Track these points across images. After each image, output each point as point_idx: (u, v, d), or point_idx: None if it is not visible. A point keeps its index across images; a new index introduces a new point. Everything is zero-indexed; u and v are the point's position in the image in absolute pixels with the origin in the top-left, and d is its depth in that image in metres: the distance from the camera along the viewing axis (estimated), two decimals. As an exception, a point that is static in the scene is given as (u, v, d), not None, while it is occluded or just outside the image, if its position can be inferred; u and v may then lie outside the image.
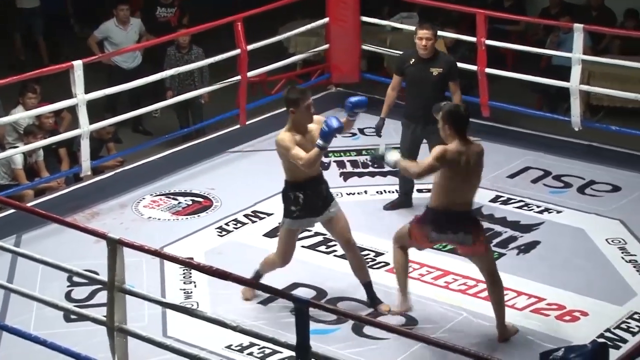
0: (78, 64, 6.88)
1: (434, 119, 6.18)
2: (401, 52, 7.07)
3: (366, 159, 7.64)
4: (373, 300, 5.58)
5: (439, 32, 8.57)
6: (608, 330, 5.39)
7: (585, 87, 7.95)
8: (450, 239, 5.18)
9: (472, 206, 5.20)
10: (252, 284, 5.48)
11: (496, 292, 5.24)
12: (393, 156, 5.19)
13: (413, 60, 6.50)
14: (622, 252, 6.21)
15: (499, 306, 5.26)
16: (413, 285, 5.81)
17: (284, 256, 5.54)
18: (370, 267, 6.03)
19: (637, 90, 8.48)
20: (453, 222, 5.09)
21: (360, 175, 7.40)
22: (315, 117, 5.40)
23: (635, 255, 6.17)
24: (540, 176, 7.31)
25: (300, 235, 6.37)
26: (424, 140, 6.62)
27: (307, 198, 5.39)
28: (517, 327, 5.34)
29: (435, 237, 5.18)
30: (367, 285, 5.59)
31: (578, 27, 7.47)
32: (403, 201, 6.77)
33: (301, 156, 5.23)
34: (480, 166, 5.14)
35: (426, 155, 5.68)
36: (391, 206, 6.76)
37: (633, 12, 9.97)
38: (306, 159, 5.23)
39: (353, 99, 5.44)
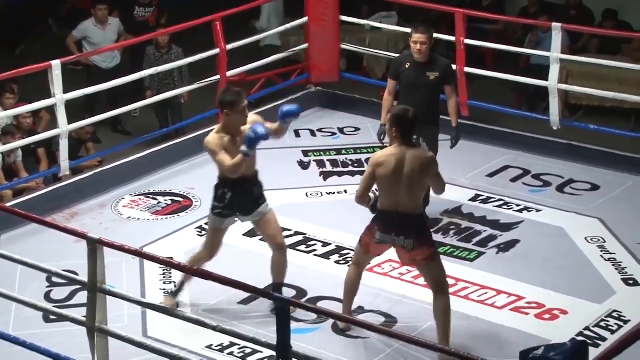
0: (56, 63, 6.84)
1: (429, 123, 6.09)
2: (397, 55, 6.92)
3: (346, 158, 7.64)
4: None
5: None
6: (587, 328, 5.42)
7: (563, 86, 7.99)
8: (393, 240, 5.07)
9: (417, 211, 5.05)
10: (233, 283, 5.46)
11: (439, 303, 5.06)
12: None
13: (409, 64, 6.36)
14: (602, 251, 6.25)
15: (443, 320, 5.06)
16: (393, 284, 5.83)
17: (210, 250, 5.49)
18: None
19: (615, 89, 8.55)
20: (396, 224, 5.04)
21: (340, 174, 7.41)
22: (250, 116, 5.35)
23: (614, 253, 6.21)
24: (519, 175, 7.34)
25: (281, 235, 6.40)
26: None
27: (234, 197, 5.35)
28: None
29: (379, 238, 5.10)
30: (278, 286, 5.55)
31: (556, 26, 7.51)
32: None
33: (226, 163, 5.20)
34: (424, 173, 5.02)
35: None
36: None
37: (612, 12, 10.03)
38: (230, 165, 5.21)
39: (285, 107, 5.38)
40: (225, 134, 5.28)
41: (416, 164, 5.02)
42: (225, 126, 5.29)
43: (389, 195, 5.05)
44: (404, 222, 5.04)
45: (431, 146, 6.48)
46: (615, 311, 5.58)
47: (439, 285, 5.12)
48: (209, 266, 5.34)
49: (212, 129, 5.39)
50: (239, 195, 5.36)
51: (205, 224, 6.39)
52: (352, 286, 5.31)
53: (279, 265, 5.55)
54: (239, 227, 6.46)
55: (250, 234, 6.42)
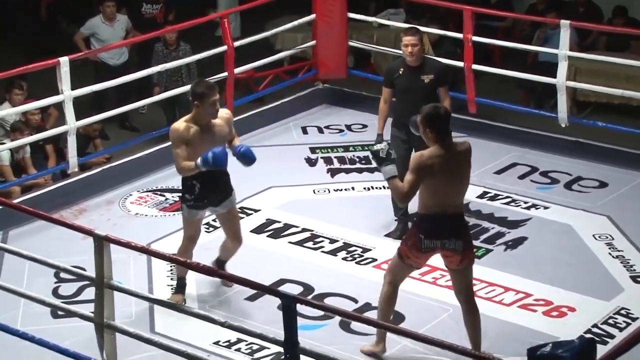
0: (64, 60, 6.85)
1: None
2: (390, 64, 6.83)
3: (353, 155, 7.64)
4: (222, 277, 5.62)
5: (424, 29, 8.63)
6: (595, 325, 5.41)
7: (571, 84, 7.97)
8: (443, 245, 4.84)
9: (462, 210, 4.95)
10: (240, 280, 5.47)
11: (472, 318, 4.98)
12: (389, 172, 4.84)
13: (402, 69, 6.28)
14: (610, 248, 6.24)
15: (475, 331, 4.97)
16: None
17: (191, 240, 5.51)
18: (358, 263, 6.05)
19: (623, 86, 8.53)
20: (444, 227, 4.83)
21: (347, 171, 7.41)
22: (221, 111, 5.38)
23: (622, 251, 6.20)
24: (527, 172, 7.33)
25: (287, 232, 6.41)
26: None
27: (203, 188, 5.36)
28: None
29: (427, 245, 4.84)
30: (221, 263, 5.66)
31: (565, 23, 7.49)
32: (405, 223, 6.37)
33: (178, 161, 5.26)
34: (467, 165, 4.91)
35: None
36: (399, 235, 6.29)
37: (622, 9, 10.00)
38: (182, 167, 5.27)
39: (242, 151, 5.33)
40: (194, 125, 5.30)
41: (460, 158, 4.86)
42: (194, 116, 5.33)
43: (438, 198, 4.79)
44: (454, 224, 4.84)
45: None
46: (623, 308, 5.57)
47: (471, 293, 4.98)
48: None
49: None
50: (208, 187, 5.38)
51: (213, 220, 6.41)
52: (387, 304, 5.00)
53: (231, 251, 5.66)
54: (246, 224, 6.47)
55: (257, 230, 6.43)
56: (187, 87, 8.27)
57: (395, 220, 6.44)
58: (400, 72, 6.29)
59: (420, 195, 4.84)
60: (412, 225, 5.05)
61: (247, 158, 5.36)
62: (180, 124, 5.31)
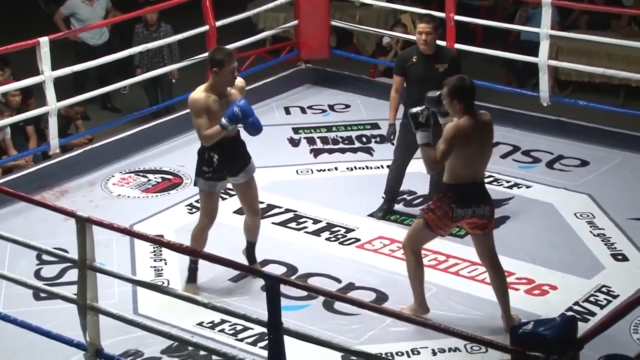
0: (44, 40, 6.80)
1: (437, 119, 5.77)
2: (402, 52, 6.64)
3: (336, 136, 7.62)
4: (251, 260, 5.64)
5: (407, 8, 8.62)
6: (577, 303, 5.45)
7: (553, 62, 7.98)
8: (473, 212, 4.98)
9: (484, 177, 5.10)
10: (223, 261, 5.47)
11: (499, 277, 5.12)
12: (423, 137, 4.94)
13: (415, 57, 6.07)
14: (591, 226, 6.28)
15: (504, 294, 5.12)
16: (384, 261, 5.84)
17: (210, 216, 5.43)
18: (341, 243, 6.06)
19: (604, 65, 8.57)
20: (475, 195, 5.00)
21: (330, 151, 7.40)
22: (237, 80, 5.32)
23: (603, 229, 6.23)
24: (509, 151, 7.35)
25: (271, 212, 6.41)
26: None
27: (221, 159, 5.31)
28: (519, 316, 5.21)
29: (459, 213, 4.96)
30: (251, 245, 5.63)
31: (546, 2, 7.49)
32: (390, 205, 6.42)
33: (202, 130, 5.19)
34: (492, 135, 5.09)
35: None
36: (382, 215, 6.36)
37: (602, -13, 10.02)
38: (207, 135, 5.21)
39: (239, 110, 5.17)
40: (212, 94, 5.24)
41: (486, 128, 5.01)
42: (212, 85, 5.26)
43: (467, 167, 4.94)
44: (482, 191, 5.04)
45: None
46: (604, 286, 5.61)
47: (495, 256, 5.13)
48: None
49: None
50: (226, 157, 5.32)
51: (196, 201, 6.40)
52: (419, 273, 5.17)
53: (253, 229, 5.60)
54: (228, 204, 6.47)
55: (240, 211, 6.42)
56: (169, 68, 8.30)
57: (382, 197, 6.42)
58: (414, 61, 6.09)
59: (450, 166, 4.95)
60: (439, 195, 5.06)
61: (255, 127, 5.27)
62: (199, 94, 5.24)
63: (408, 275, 5.23)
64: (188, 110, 7.89)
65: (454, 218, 4.99)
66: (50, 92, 6.92)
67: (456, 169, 4.94)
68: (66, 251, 4.94)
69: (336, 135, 7.65)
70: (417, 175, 6.81)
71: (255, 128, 5.30)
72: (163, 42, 8.16)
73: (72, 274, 4.88)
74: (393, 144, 6.34)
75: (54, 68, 6.91)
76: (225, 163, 5.33)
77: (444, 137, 4.91)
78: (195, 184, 5.46)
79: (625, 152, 7.29)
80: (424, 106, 5.02)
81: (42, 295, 5.29)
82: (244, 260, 5.59)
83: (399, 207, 6.48)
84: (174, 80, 8.79)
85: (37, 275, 5.72)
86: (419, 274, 5.20)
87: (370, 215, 6.40)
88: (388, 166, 6.75)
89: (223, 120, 5.15)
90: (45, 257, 5.70)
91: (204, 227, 5.44)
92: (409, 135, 5.91)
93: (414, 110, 5.00)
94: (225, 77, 5.22)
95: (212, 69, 5.24)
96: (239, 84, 5.36)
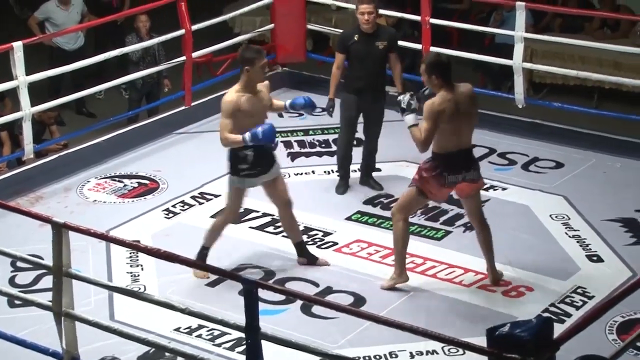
0: (18, 45, 6.75)
1: (379, 94, 6.35)
2: (343, 31, 7.08)
3: (313, 139, 7.63)
4: (310, 258, 5.80)
5: (383, 11, 8.64)
6: (553, 304, 5.48)
7: (528, 65, 8.03)
8: (464, 177, 5.31)
9: (471, 144, 5.38)
10: (200, 265, 5.46)
11: (486, 235, 5.49)
12: (409, 120, 5.26)
13: (357, 36, 6.52)
14: (566, 228, 6.31)
15: (489, 249, 5.51)
16: (361, 264, 5.85)
17: (234, 213, 5.73)
18: (319, 247, 6.06)
19: (578, 67, 8.63)
20: (464, 161, 5.30)
21: (307, 155, 7.41)
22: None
23: (578, 230, 6.28)
24: (485, 154, 7.38)
25: (248, 216, 6.40)
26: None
27: (256, 155, 5.52)
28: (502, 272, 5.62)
29: (451, 180, 5.29)
30: (300, 245, 5.81)
31: (520, 5, 7.54)
32: (347, 181, 6.75)
33: (224, 132, 5.43)
34: (474, 104, 5.32)
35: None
36: (342, 190, 6.73)
37: (575, -9, 10.09)
38: (227, 137, 5.44)
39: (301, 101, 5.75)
40: (245, 92, 5.47)
41: (467, 98, 5.25)
42: (245, 84, 5.49)
43: (453, 137, 5.23)
44: (469, 157, 5.35)
45: (378, 120, 6.59)
46: (579, 287, 5.64)
47: (482, 213, 5.51)
48: (177, 248, 5.32)
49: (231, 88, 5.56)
50: (261, 155, 5.54)
51: (173, 205, 6.37)
52: (404, 240, 5.47)
53: (292, 223, 5.78)
54: (206, 210, 6.45)
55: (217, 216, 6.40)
56: (147, 72, 8.17)
57: (338, 175, 6.76)
58: (356, 39, 6.52)
59: (437, 139, 5.23)
60: (428, 165, 5.33)
61: (308, 105, 5.72)
62: (232, 95, 5.47)
63: (394, 241, 5.49)
64: (163, 115, 8.01)
65: (446, 184, 5.31)
66: (24, 98, 6.87)
67: (442, 141, 5.24)
68: (41, 258, 4.91)
69: (313, 139, 7.65)
70: (394, 178, 6.84)
71: (308, 106, 5.80)
72: (139, 47, 8.08)
73: (48, 281, 4.84)
74: (331, 116, 6.73)
75: (28, 73, 6.86)
76: (259, 160, 5.54)
77: (425, 115, 5.20)
78: (230, 183, 5.62)
79: (600, 154, 7.34)
80: (408, 94, 5.33)
81: (17, 302, 5.24)
82: (219, 265, 5.58)
83: (376, 210, 6.50)
84: (166, 90, 8.65)
85: (12, 282, 5.67)
86: (406, 241, 5.48)
87: (348, 218, 6.40)
88: (359, 169, 6.81)
89: (247, 135, 5.38)
90: (20, 263, 5.66)
91: (227, 221, 5.69)
92: (347, 112, 6.56)
93: (399, 98, 5.32)
94: (257, 74, 5.49)
95: (244, 67, 5.47)
96: (265, 83, 5.65)
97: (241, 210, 5.83)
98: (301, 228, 6.26)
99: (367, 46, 6.48)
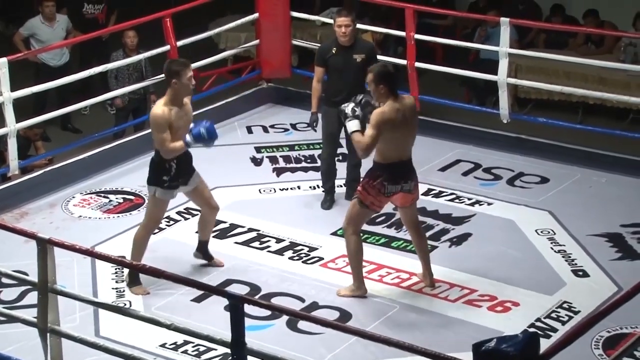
0: (3, 61, 6.74)
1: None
2: (322, 44, 7.12)
3: (298, 154, 7.64)
4: (206, 255, 5.89)
5: (367, 27, 8.68)
6: (539, 319, 5.49)
7: (512, 80, 8.07)
8: (401, 187, 5.42)
9: (411, 155, 5.51)
10: (186, 281, 5.44)
11: (422, 241, 5.69)
12: (351, 126, 5.37)
13: (335, 49, 6.56)
14: (552, 243, 6.33)
15: (425, 253, 5.70)
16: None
17: (157, 223, 5.75)
18: (304, 262, 6.06)
19: (562, 83, 8.68)
20: (403, 172, 5.43)
21: (293, 170, 7.41)
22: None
23: (564, 245, 6.29)
24: (470, 169, 7.40)
25: (233, 232, 6.39)
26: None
27: (179, 167, 5.54)
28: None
29: (391, 190, 5.40)
30: (204, 243, 5.88)
31: (505, 21, 7.58)
32: (332, 196, 6.76)
33: (166, 144, 5.43)
34: (415, 116, 5.48)
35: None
36: (327, 206, 6.72)
37: (559, 7, 10.16)
38: (171, 148, 5.45)
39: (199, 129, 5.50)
40: (172, 106, 5.45)
41: (411, 109, 5.42)
42: (172, 97, 5.45)
43: (396, 147, 5.36)
44: (408, 168, 5.48)
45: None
46: (565, 302, 5.66)
47: (418, 222, 5.69)
48: (162, 264, 5.31)
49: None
50: (182, 166, 5.56)
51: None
52: (358, 253, 5.55)
53: (209, 223, 5.83)
54: (191, 225, 6.44)
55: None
56: (131, 88, 8.18)
57: (323, 191, 6.78)
58: (334, 52, 6.57)
59: (379, 148, 5.37)
60: (369, 175, 5.46)
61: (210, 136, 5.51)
62: (160, 108, 5.44)
63: (348, 257, 5.59)
64: (149, 130, 7.97)
65: (386, 194, 5.42)
66: (9, 114, 6.86)
67: (385, 151, 5.36)
68: (26, 274, 4.89)
69: (299, 154, 7.66)
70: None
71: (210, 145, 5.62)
72: (126, 62, 8.08)
73: (33, 297, 4.82)
74: (315, 130, 6.76)
75: (13, 89, 6.85)
76: (181, 172, 5.57)
77: (371, 123, 5.31)
78: (151, 194, 5.60)
79: (585, 169, 7.37)
80: (352, 103, 5.46)
81: (2, 319, 5.20)
82: (205, 280, 5.56)
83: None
84: (152, 105, 8.60)
85: (-3, 298, 5.65)
86: (360, 255, 5.56)
87: (333, 233, 6.41)
88: (344, 184, 6.82)
89: (188, 137, 5.40)
90: (5, 279, 5.63)
91: (150, 231, 5.68)
92: (329, 126, 6.60)
93: (341, 107, 5.47)
94: (184, 86, 5.44)
95: (171, 80, 5.42)
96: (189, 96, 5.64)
97: (162, 220, 5.85)
98: (287, 243, 6.28)
99: (344, 59, 6.51)
